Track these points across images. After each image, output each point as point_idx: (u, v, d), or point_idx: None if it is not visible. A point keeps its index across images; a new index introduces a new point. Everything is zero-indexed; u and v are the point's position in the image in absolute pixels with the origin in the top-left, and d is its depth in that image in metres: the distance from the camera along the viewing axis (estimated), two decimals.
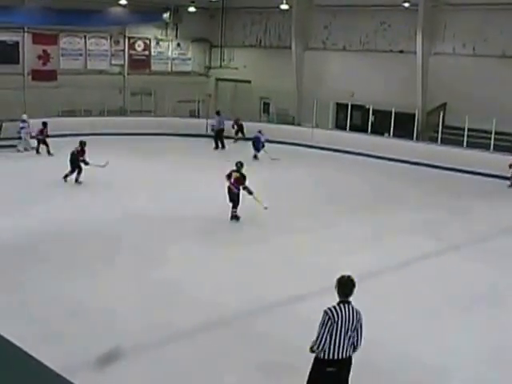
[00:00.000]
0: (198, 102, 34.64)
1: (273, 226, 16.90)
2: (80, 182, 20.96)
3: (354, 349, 7.29)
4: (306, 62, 34.17)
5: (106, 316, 10.67)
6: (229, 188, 17.10)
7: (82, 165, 20.95)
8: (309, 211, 18.59)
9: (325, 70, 33.17)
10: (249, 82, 36.12)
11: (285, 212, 18.15)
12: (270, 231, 16.37)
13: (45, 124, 26.51)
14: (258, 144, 27.42)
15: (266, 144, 27.34)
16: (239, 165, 17.33)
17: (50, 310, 10.84)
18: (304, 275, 12.94)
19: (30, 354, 3.41)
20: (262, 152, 27.09)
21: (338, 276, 7.33)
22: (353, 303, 7.20)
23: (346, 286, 7.19)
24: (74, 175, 21.03)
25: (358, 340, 7.25)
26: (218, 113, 31.32)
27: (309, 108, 31.81)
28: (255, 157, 27.22)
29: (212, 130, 31.22)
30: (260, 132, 27.93)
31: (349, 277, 7.27)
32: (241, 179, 17.15)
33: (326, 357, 7.15)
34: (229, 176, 17.14)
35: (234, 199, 17.12)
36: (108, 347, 9.17)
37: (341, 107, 32.47)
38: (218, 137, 30.22)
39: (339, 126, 32.13)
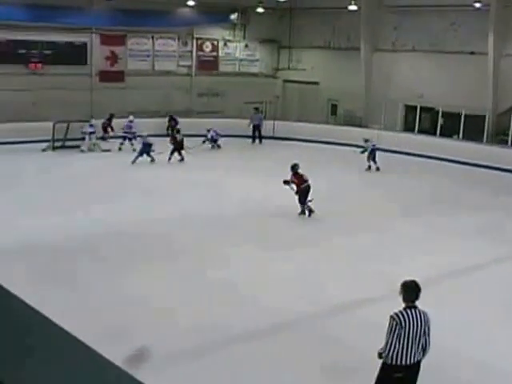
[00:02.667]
0: (265, 103, 34.62)
1: (331, 228, 16.88)
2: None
3: (424, 352, 7.21)
4: (374, 63, 33.83)
5: (169, 315, 10.79)
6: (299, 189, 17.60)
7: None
8: (367, 213, 18.44)
9: (393, 72, 32.76)
10: (316, 83, 35.93)
11: (342, 214, 18.07)
12: (329, 233, 16.33)
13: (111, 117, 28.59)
14: (373, 153, 25.47)
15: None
16: (296, 167, 17.86)
17: (113, 308, 11.04)
18: (366, 278, 12.90)
19: (94, 349, 3.44)
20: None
21: (402, 281, 7.26)
22: (419, 307, 7.11)
23: (411, 290, 7.12)
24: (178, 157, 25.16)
25: (427, 343, 7.17)
26: (256, 109, 32.23)
27: (376, 110, 31.57)
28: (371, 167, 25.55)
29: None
30: (368, 141, 25.63)
31: (413, 281, 7.19)
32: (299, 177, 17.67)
33: (394, 362, 7.09)
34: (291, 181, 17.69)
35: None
36: (170, 346, 9.27)
37: (409, 109, 32.10)
38: (254, 132, 31.60)
39: (407, 128, 31.76)
